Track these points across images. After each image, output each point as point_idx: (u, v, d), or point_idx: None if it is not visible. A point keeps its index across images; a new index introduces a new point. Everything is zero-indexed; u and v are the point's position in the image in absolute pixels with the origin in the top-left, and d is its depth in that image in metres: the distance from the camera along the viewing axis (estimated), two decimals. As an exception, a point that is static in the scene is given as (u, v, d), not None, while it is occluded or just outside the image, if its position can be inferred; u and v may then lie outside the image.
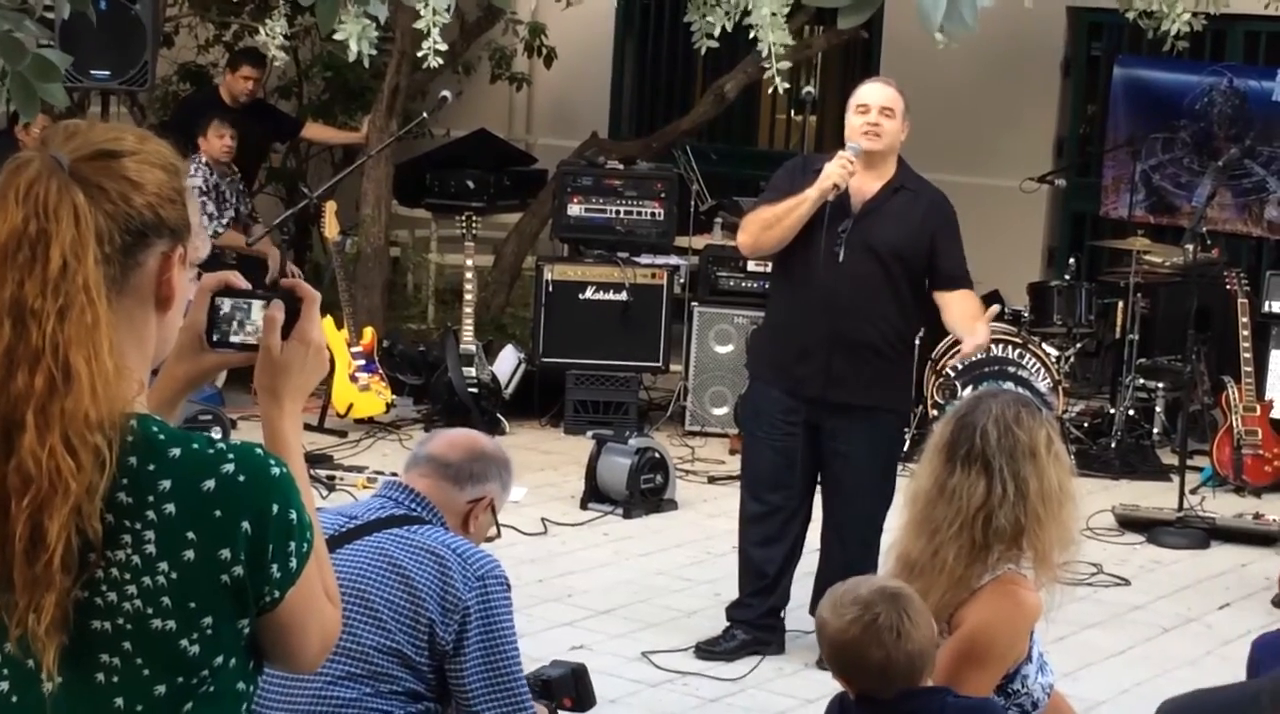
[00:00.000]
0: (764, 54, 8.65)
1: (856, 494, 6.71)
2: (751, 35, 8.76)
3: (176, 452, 2.23)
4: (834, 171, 6.54)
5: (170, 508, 2.20)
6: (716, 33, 9.22)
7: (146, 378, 2.33)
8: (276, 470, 2.26)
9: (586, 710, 4.47)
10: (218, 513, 2.21)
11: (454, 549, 3.91)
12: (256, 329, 2.44)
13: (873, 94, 6.70)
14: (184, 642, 2.23)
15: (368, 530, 3.94)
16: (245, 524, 2.22)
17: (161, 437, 2.24)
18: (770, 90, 9.68)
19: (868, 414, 6.65)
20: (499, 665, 3.87)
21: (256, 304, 2.44)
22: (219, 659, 2.26)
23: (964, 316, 6.70)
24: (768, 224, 6.69)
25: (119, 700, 2.24)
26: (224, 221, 10.67)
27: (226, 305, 2.44)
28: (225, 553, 2.21)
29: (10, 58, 3.12)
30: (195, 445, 2.25)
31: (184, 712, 2.27)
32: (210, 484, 2.21)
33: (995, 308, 6.51)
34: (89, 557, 2.19)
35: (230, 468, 2.23)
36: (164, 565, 2.20)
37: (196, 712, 2.28)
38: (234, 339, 2.44)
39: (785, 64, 9.39)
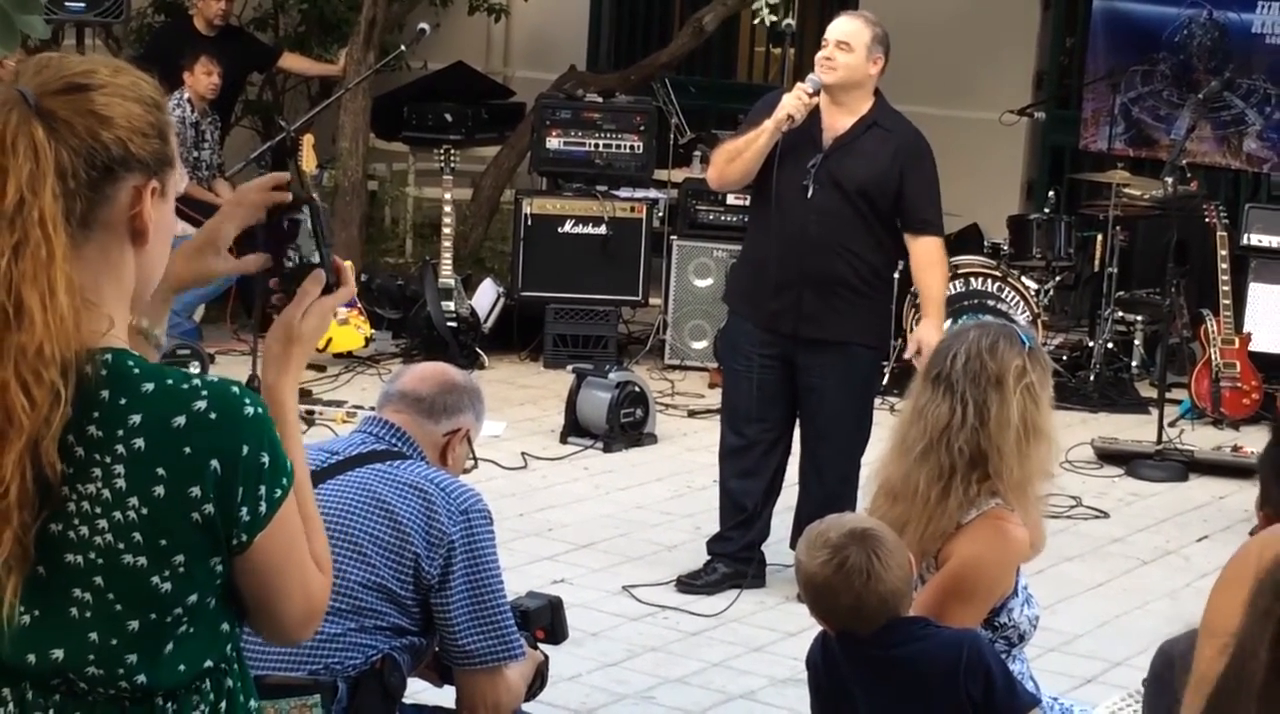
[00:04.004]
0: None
1: (832, 428, 6.71)
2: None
3: (150, 386, 2.21)
4: (789, 102, 6.53)
5: (140, 442, 2.18)
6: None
7: (125, 312, 2.30)
8: (251, 410, 2.23)
9: (559, 642, 4.49)
10: (187, 449, 2.19)
11: (437, 483, 3.91)
12: (304, 259, 2.49)
13: (833, 28, 6.69)
14: (155, 579, 2.22)
15: (350, 466, 3.93)
16: (214, 462, 2.20)
17: (136, 371, 2.22)
18: (756, 20, 9.64)
19: (841, 349, 6.63)
20: (484, 598, 3.88)
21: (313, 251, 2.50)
22: (193, 597, 2.25)
23: (921, 285, 6.75)
24: (731, 157, 6.69)
25: (93, 635, 2.24)
26: (202, 155, 10.63)
27: (303, 231, 2.50)
28: (195, 490, 2.20)
29: (-13, -11, 3.08)
30: (170, 380, 2.22)
31: (166, 653, 2.26)
32: (181, 420, 2.19)
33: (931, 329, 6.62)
34: (51, 493, 2.18)
35: (202, 405, 2.20)
36: (134, 500, 2.19)
37: (179, 653, 2.27)
38: (292, 258, 2.49)
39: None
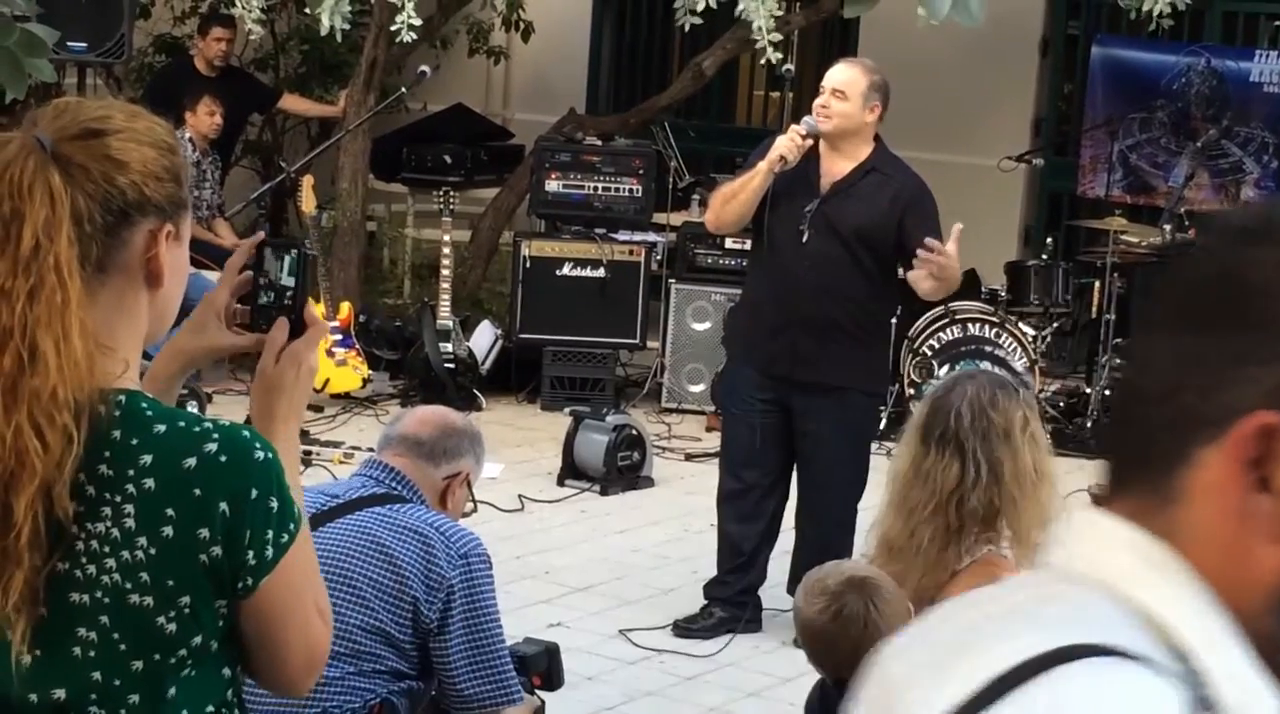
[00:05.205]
0: (755, 27, 8.69)
1: (827, 474, 6.70)
2: (738, 12, 8.78)
3: (162, 428, 2.22)
4: (782, 143, 6.53)
5: (150, 483, 2.19)
6: (700, 7, 9.22)
7: (139, 355, 2.32)
8: (261, 455, 2.24)
9: (554, 689, 4.49)
10: (197, 491, 2.20)
11: (437, 527, 3.91)
12: (274, 282, 2.49)
13: (830, 75, 6.68)
14: (161, 619, 2.22)
15: (350, 509, 3.93)
16: (223, 505, 2.20)
17: (149, 412, 2.23)
18: (761, 60, 9.66)
19: (837, 394, 6.62)
20: (483, 643, 3.88)
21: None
22: (197, 639, 2.25)
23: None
24: (727, 199, 6.70)
25: (96, 674, 2.24)
26: (203, 195, 10.65)
27: (268, 256, 2.51)
28: (204, 532, 2.20)
29: (-1, 33, 3.09)
30: (181, 422, 2.24)
31: (168, 696, 2.26)
32: (191, 462, 2.20)
33: (959, 225, 6.30)
34: (63, 535, 2.18)
35: (213, 447, 2.21)
36: (143, 540, 2.19)
37: (181, 696, 2.27)
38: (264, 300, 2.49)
39: (776, 35, 9.38)
